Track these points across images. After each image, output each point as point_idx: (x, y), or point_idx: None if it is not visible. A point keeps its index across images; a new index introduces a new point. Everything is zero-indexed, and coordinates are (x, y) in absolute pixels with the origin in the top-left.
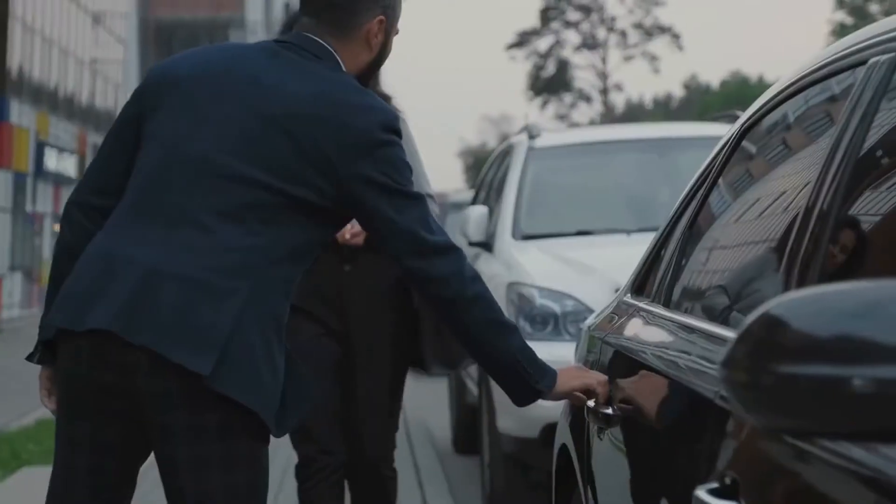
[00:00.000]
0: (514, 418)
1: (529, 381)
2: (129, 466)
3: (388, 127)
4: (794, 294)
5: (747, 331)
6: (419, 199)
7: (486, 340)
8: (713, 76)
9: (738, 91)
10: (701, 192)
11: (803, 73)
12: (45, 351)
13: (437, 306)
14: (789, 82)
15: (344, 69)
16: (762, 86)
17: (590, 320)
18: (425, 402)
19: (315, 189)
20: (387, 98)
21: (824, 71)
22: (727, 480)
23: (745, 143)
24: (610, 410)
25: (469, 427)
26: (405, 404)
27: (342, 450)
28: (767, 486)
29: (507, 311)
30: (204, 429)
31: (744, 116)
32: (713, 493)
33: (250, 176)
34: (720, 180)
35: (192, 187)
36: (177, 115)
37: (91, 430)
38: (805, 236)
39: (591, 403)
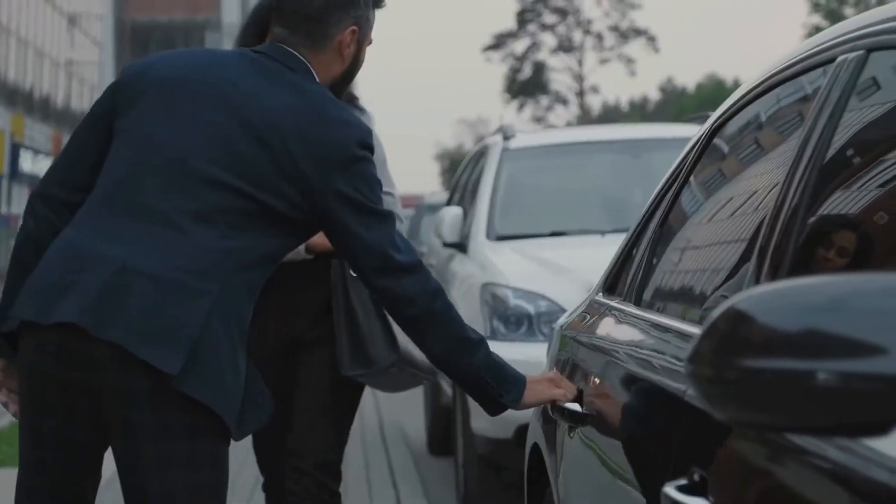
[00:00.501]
0: (487, 419)
1: (494, 395)
2: (93, 460)
3: (363, 143)
4: (760, 289)
5: (713, 325)
6: (388, 218)
7: (451, 357)
8: (689, 79)
9: (713, 94)
10: (671, 191)
11: (772, 73)
12: (2, 344)
13: (402, 323)
14: (758, 81)
15: (318, 80)
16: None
17: (562, 319)
18: (400, 403)
19: (286, 199)
20: (353, 98)
21: (793, 70)
22: (695, 477)
23: (714, 142)
24: (579, 408)
25: (443, 428)
26: (381, 406)
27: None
28: (735, 481)
29: (481, 312)
30: (170, 427)
31: (713, 116)
32: (682, 489)
33: (224, 181)
34: (690, 179)
35: (166, 188)
36: (153, 115)
37: (55, 425)
38: (774, 234)
39: (559, 402)
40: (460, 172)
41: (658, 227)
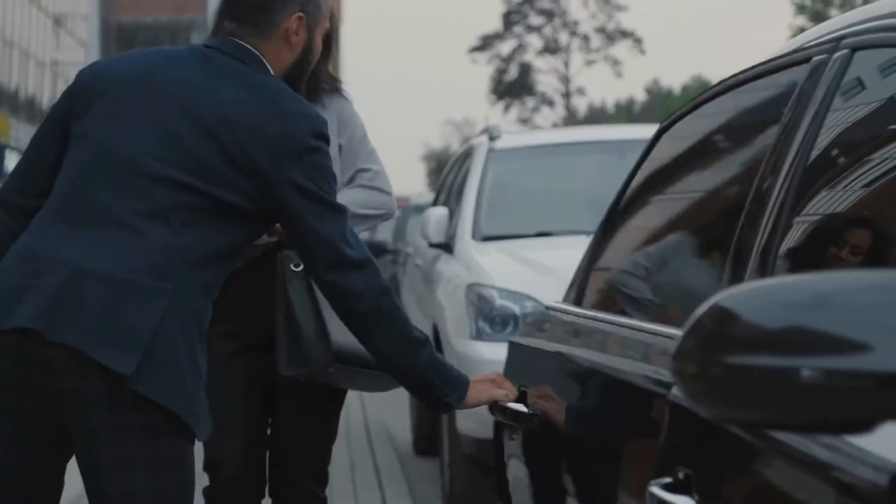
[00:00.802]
0: (473, 419)
1: (438, 394)
2: (55, 467)
3: (319, 134)
4: (744, 286)
5: (697, 322)
6: (341, 212)
7: (397, 355)
8: (675, 80)
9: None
10: (630, 192)
11: (753, 69)
12: None
13: (348, 319)
14: (737, 79)
15: (272, 71)
16: None
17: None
18: (385, 403)
19: (241, 193)
20: (336, 80)
21: (775, 66)
22: (680, 475)
23: (669, 142)
24: (524, 408)
25: (429, 428)
26: (367, 406)
27: (256, 482)
28: (720, 479)
29: (467, 312)
30: (128, 428)
31: (687, 110)
32: (667, 488)
33: (175, 178)
34: (652, 180)
35: (118, 189)
36: (107, 117)
37: (15, 429)
38: (758, 232)
39: (501, 402)
40: (446, 173)
41: (605, 227)
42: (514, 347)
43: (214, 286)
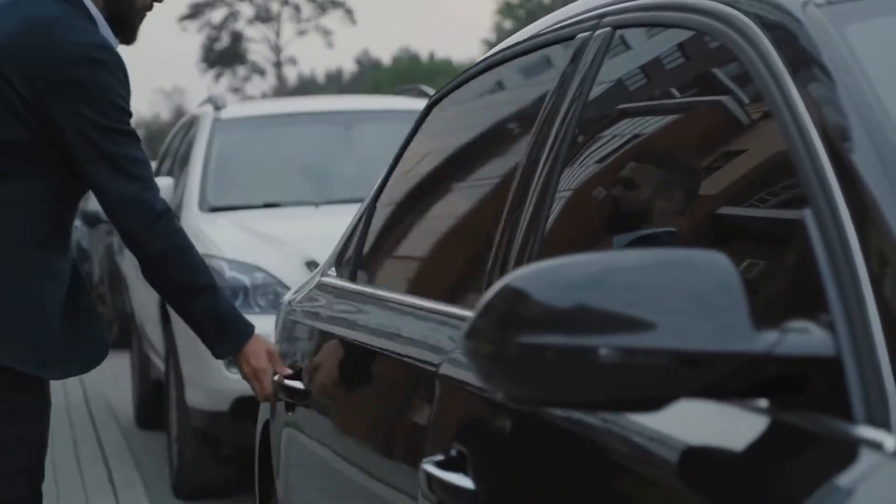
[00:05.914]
0: (203, 392)
1: (212, 343)
2: None
3: (83, 60)
4: (532, 267)
5: (489, 303)
6: (128, 136)
7: (177, 300)
8: (384, 52)
9: (409, 68)
10: (399, 167)
11: (513, 44)
12: None
13: (139, 262)
14: (495, 54)
15: (92, 11)
16: (433, 63)
17: (289, 296)
18: (105, 377)
19: (22, 128)
20: None
21: (535, 43)
22: (453, 453)
23: (441, 116)
24: (300, 385)
25: (153, 401)
26: (86, 380)
27: None
28: (495, 456)
29: None
30: None
31: (441, 90)
32: (440, 465)
33: None
34: (416, 155)
35: None
36: None
37: None
38: (524, 210)
39: (276, 378)
40: (169, 142)
41: (387, 203)
42: (288, 322)
43: (44, 231)
